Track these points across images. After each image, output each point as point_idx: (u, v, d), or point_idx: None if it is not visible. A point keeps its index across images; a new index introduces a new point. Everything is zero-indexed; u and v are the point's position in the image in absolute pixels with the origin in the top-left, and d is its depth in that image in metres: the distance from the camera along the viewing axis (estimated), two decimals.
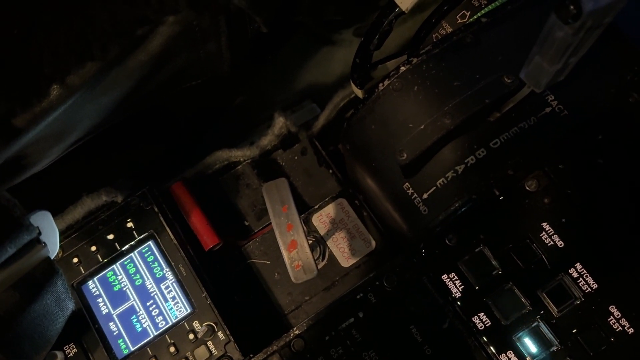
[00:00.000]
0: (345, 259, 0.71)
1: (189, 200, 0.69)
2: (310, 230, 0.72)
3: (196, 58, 0.55)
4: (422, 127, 0.54)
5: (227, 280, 0.71)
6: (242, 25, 0.56)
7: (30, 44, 0.43)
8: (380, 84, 0.56)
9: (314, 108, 0.93)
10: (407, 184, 0.55)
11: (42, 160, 0.57)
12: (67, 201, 0.67)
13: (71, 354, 0.61)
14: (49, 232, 0.48)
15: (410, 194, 0.55)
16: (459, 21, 0.61)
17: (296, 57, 0.92)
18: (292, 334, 0.58)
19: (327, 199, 0.75)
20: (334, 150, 0.83)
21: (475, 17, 0.60)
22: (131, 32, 0.47)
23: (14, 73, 0.45)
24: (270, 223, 0.71)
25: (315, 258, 0.62)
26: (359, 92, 0.69)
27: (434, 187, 0.54)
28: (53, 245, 0.49)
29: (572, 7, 0.39)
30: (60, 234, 0.67)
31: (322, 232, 0.73)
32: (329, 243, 0.72)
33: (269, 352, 0.58)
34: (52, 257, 0.48)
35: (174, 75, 0.57)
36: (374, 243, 0.72)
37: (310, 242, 0.59)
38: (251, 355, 0.59)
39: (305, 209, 0.74)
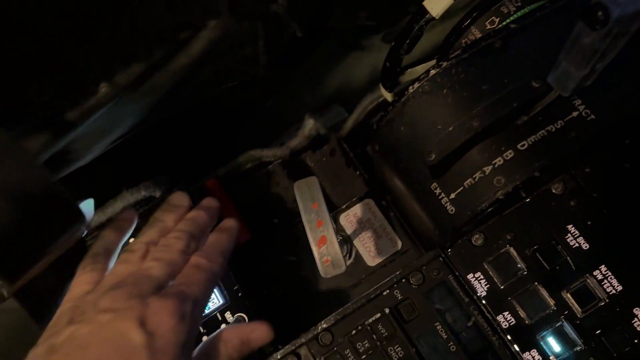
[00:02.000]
0: (372, 258, 0.73)
1: (223, 197, 0.72)
2: (337, 229, 0.74)
3: (233, 61, 0.57)
4: (450, 128, 0.56)
5: (256, 276, 0.73)
6: (279, 30, 0.59)
7: (78, 47, 0.46)
8: (410, 87, 0.58)
9: (341, 111, 0.96)
10: (434, 184, 0.57)
11: (86, 155, 0.60)
12: (108, 195, 0.70)
13: None
14: (87, 217, 0.50)
15: (437, 193, 0.57)
16: (488, 27, 0.63)
17: (326, 61, 0.94)
18: (319, 328, 0.60)
19: (354, 199, 0.77)
20: (362, 152, 0.85)
21: (504, 23, 0.62)
22: (174, 36, 0.50)
23: (64, 73, 0.48)
24: (298, 221, 0.74)
25: (342, 256, 0.64)
26: (388, 96, 0.71)
27: (462, 188, 0.55)
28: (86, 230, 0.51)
29: (599, 13, 0.40)
30: (101, 226, 0.70)
31: (348, 231, 0.75)
32: (356, 242, 0.74)
33: (297, 344, 0.60)
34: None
35: (211, 78, 0.60)
36: (400, 243, 0.73)
37: (337, 240, 0.61)
38: (280, 347, 0.61)
39: (332, 209, 0.76)
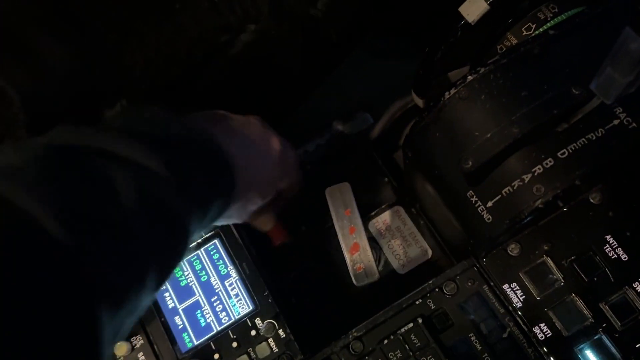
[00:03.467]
0: (401, 266, 0.72)
1: None
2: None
3: (270, 65, 0.57)
4: (488, 135, 0.55)
5: (284, 283, 0.73)
6: (316, 34, 0.58)
7: (124, 48, 0.46)
8: (447, 93, 0.58)
9: (367, 118, 0.95)
10: (471, 192, 0.56)
11: None
12: None
13: (137, 345, 0.64)
14: None
15: (474, 202, 0.56)
16: (524, 33, 0.62)
17: (353, 67, 0.94)
18: (350, 336, 0.59)
19: (383, 206, 0.76)
20: (390, 158, 0.85)
21: (541, 29, 0.61)
22: (215, 38, 0.50)
23: (109, 73, 0.49)
24: (327, 227, 0.73)
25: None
26: (421, 102, 0.70)
27: (499, 196, 0.54)
28: None
29: None
30: None
31: (378, 238, 0.74)
32: (385, 250, 0.73)
33: (327, 353, 0.59)
34: None
35: (247, 81, 0.60)
36: (430, 252, 0.72)
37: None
38: (310, 355, 0.60)
39: (361, 216, 0.76)
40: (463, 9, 0.58)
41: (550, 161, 0.53)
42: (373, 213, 0.76)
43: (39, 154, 0.36)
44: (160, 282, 0.42)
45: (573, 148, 0.52)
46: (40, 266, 0.31)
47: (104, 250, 0.35)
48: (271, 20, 0.49)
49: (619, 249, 0.55)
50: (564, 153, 0.53)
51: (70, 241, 0.32)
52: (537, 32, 0.61)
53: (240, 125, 0.53)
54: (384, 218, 0.75)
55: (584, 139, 0.53)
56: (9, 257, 0.30)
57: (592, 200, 0.57)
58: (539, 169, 0.53)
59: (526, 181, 0.53)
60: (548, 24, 0.61)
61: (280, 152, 0.57)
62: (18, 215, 0.32)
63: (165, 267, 0.42)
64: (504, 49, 0.63)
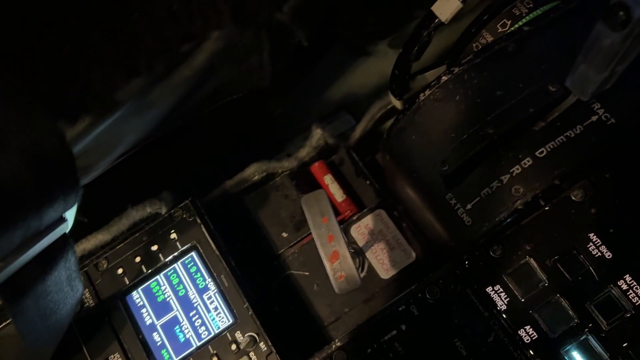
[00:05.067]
0: (385, 271, 0.71)
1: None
2: (349, 242, 0.72)
3: (238, 72, 0.56)
4: (465, 136, 0.54)
5: (267, 292, 0.71)
6: (284, 39, 0.57)
7: (79, 62, 0.44)
8: (422, 94, 0.56)
9: (349, 119, 0.94)
10: (449, 194, 0.55)
11: (90, 172, 0.59)
12: (112, 213, 0.69)
13: None
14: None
15: (453, 204, 0.54)
16: (500, 30, 0.61)
17: (332, 68, 0.93)
18: (333, 346, 0.58)
19: (365, 210, 0.75)
20: (371, 161, 0.83)
21: (516, 25, 0.60)
22: (176, 48, 0.48)
23: (65, 89, 0.47)
24: (309, 234, 0.72)
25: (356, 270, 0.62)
26: (398, 103, 0.69)
27: (478, 198, 0.53)
28: (70, 220, 0.49)
29: (620, 13, 0.38)
30: (106, 244, 0.69)
31: (360, 243, 0.73)
32: (368, 254, 0.72)
33: None
34: (67, 232, 0.48)
35: (216, 89, 0.58)
36: (414, 255, 0.71)
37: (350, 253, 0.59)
38: None
39: (343, 221, 0.74)
40: (436, 8, 0.56)
41: (528, 161, 0.52)
42: (355, 217, 0.74)
43: None
44: None
45: (551, 147, 0.51)
46: None
47: None
48: (234, 26, 0.47)
49: (602, 246, 0.54)
50: (542, 152, 0.51)
51: None
52: (512, 28, 0.60)
53: None
54: (366, 222, 0.74)
55: (562, 137, 0.52)
56: None
57: (573, 198, 0.56)
58: (517, 169, 0.52)
59: (504, 182, 0.52)
60: (523, 20, 0.60)
61: None
62: None
63: None
64: (480, 47, 0.62)
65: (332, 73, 0.94)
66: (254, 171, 0.77)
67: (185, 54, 0.48)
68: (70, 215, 0.47)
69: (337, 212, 0.73)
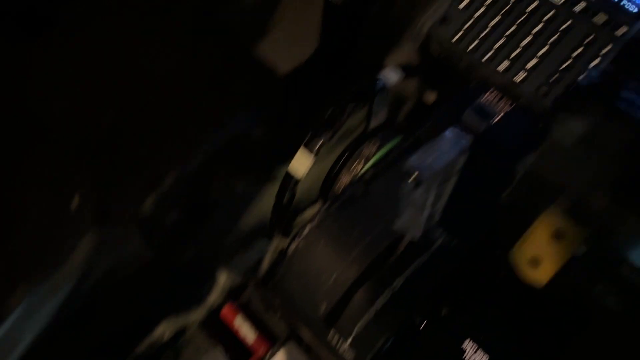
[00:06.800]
0: None
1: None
2: None
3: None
4: (334, 277, 0.59)
5: None
6: None
7: None
8: (292, 243, 0.62)
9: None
10: (331, 332, 0.60)
11: None
12: None
13: None
14: None
15: (334, 343, 0.59)
16: (355, 172, 0.69)
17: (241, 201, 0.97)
18: None
19: (275, 346, 0.77)
20: None
21: (367, 166, 0.68)
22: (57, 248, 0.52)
23: None
24: None
25: None
26: (285, 242, 0.75)
27: (355, 332, 0.58)
28: None
29: (414, 176, 0.46)
30: None
31: None
32: None
33: None
34: None
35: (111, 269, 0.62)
36: None
37: None
38: None
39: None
40: (291, 169, 0.64)
41: (389, 292, 0.57)
42: (267, 355, 0.77)
43: None
44: None
45: (406, 276, 0.58)
46: None
47: None
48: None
49: (479, 350, 0.60)
50: (398, 282, 0.57)
51: None
52: (364, 168, 0.69)
53: None
54: (278, 358, 0.77)
55: (414, 265, 0.58)
56: None
57: (443, 314, 0.61)
58: (382, 300, 0.58)
59: (373, 315, 0.57)
60: (372, 160, 0.68)
61: None
62: None
63: None
64: (341, 189, 0.69)
65: (242, 205, 0.98)
66: (164, 328, 0.80)
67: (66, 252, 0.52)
68: None
69: (249, 354, 0.76)
